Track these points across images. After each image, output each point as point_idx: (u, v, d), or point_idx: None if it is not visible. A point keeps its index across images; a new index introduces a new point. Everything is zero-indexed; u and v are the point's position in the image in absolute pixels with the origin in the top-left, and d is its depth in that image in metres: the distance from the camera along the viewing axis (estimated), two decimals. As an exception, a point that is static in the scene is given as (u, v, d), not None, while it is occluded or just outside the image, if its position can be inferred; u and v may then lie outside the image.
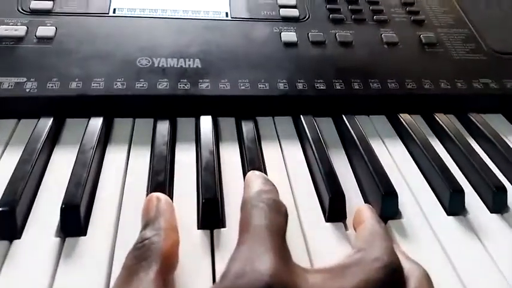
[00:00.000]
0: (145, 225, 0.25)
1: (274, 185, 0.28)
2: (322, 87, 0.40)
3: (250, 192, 0.26)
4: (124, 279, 0.22)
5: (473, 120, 0.42)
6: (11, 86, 0.36)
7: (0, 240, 0.27)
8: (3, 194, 0.28)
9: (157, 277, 0.21)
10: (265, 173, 0.34)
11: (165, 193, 0.29)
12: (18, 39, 0.40)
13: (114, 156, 0.34)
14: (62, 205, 0.28)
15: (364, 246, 0.23)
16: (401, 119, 0.41)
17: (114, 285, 0.22)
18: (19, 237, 0.27)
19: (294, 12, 0.47)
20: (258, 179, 0.28)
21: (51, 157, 0.34)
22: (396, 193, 0.31)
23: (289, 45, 0.44)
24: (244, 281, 0.19)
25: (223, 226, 0.29)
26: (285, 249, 0.22)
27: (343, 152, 0.38)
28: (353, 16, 0.48)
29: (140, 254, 0.23)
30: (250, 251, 0.21)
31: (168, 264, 0.23)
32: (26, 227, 0.28)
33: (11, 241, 0.27)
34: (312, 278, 0.21)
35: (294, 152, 0.37)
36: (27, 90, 0.36)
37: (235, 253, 0.22)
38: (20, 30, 0.40)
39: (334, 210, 0.30)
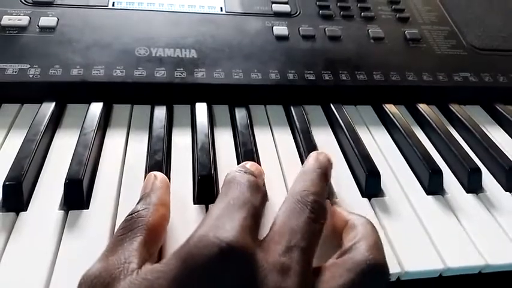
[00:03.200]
0: (139, 201, 0.27)
1: (260, 170, 0.30)
2: (311, 78, 0.42)
3: (235, 169, 0.28)
4: (110, 247, 0.23)
5: (453, 110, 0.44)
6: (15, 71, 0.38)
7: (8, 212, 0.28)
8: (10, 169, 0.30)
9: (140, 247, 0.23)
10: (257, 156, 0.36)
11: (162, 171, 0.31)
12: (22, 29, 0.41)
13: (113, 139, 0.36)
14: (65, 180, 0.30)
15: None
16: (386, 109, 0.43)
17: (102, 253, 0.23)
18: (25, 210, 0.29)
19: (286, 8, 0.49)
20: (245, 163, 0.30)
21: (53, 139, 0.36)
22: (379, 173, 0.34)
23: (280, 38, 0.46)
24: (205, 243, 0.20)
25: (218, 201, 0.31)
26: (252, 224, 0.23)
27: (332, 136, 0.40)
28: (341, 12, 0.50)
29: (128, 225, 0.24)
30: (217, 219, 0.22)
31: (154, 236, 0.24)
32: (31, 201, 0.30)
33: (17, 213, 0.29)
34: (265, 247, 0.23)
35: (285, 137, 0.39)
36: (31, 76, 0.38)
37: (203, 219, 0.23)
38: (23, 20, 0.42)
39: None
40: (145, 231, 0.24)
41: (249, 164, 0.29)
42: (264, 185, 0.31)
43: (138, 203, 0.26)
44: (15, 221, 0.28)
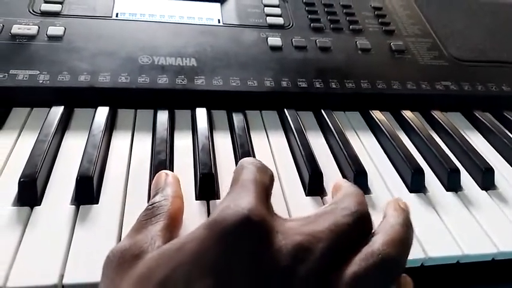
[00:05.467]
0: (155, 194, 0.29)
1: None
2: (303, 86, 0.45)
3: (243, 159, 0.29)
4: (135, 229, 0.25)
5: (435, 116, 0.47)
6: (26, 77, 0.40)
7: (23, 207, 0.31)
8: (25, 167, 0.32)
9: (163, 229, 0.25)
10: (254, 157, 0.38)
11: (166, 169, 0.33)
12: (31, 37, 0.44)
13: (119, 140, 0.39)
14: (77, 177, 0.32)
15: (336, 201, 0.27)
16: (373, 115, 0.46)
17: (127, 235, 0.25)
18: (39, 205, 0.31)
19: (280, 21, 0.53)
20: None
21: (63, 140, 0.38)
22: (366, 172, 0.36)
23: (274, 48, 0.49)
24: (228, 212, 0.22)
25: (218, 198, 0.34)
26: (267, 200, 0.25)
27: (323, 139, 0.43)
28: (331, 25, 0.54)
29: (150, 213, 0.26)
30: (235, 194, 0.24)
31: (174, 222, 0.26)
32: (44, 196, 0.32)
33: (32, 208, 0.31)
34: (288, 223, 0.24)
35: (279, 140, 0.42)
36: (40, 81, 0.40)
37: (224, 198, 0.24)
38: (32, 29, 0.44)
39: (313, 185, 0.35)
40: (167, 218, 0.26)
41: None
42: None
43: (155, 196, 0.28)
44: (30, 215, 0.30)
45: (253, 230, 0.21)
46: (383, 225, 0.26)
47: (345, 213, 0.24)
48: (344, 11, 0.56)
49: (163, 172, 0.31)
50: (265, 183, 0.26)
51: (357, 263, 0.22)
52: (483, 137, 0.47)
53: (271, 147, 0.41)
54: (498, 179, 0.40)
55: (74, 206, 0.31)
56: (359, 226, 0.24)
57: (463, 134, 0.45)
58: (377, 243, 0.23)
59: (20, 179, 0.31)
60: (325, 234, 0.23)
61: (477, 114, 0.49)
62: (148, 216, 0.26)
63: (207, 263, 0.20)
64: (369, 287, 0.22)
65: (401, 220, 0.26)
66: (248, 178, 0.25)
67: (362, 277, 0.22)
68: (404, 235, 0.25)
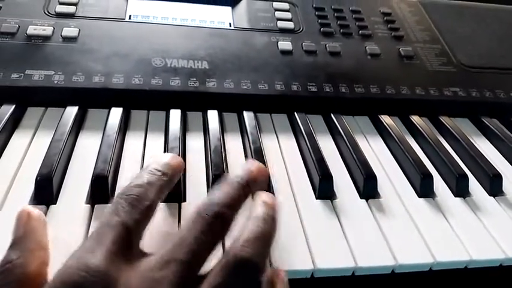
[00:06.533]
0: (12, 245, 0.24)
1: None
2: (313, 90, 0.46)
3: (124, 187, 0.27)
4: None
5: (443, 122, 0.48)
6: (41, 77, 0.41)
7: (39, 205, 0.31)
8: (41, 166, 0.33)
9: None
10: (265, 159, 0.39)
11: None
12: (46, 38, 0.45)
13: (133, 140, 0.39)
14: (93, 176, 0.33)
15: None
16: (382, 120, 0.47)
17: None
18: (55, 203, 0.32)
19: (290, 25, 0.53)
20: (150, 167, 0.28)
21: (78, 140, 0.39)
22: (375, 176, 0.37)
23: (285, 52, 0.50)
24: (68, 272, 0.21)
25: (230, 199, 0.34)
26: (122, 243, 0.23)
27: (333, 142, 0.43)
28: (341, 30, 0.54)
29: (2, 278, 0.22)
30: (86, 247, 0.23)
31: (34, 286, 0.22)
32: (60, 195, 0.33)
33: (48, 206, 0.31)
34: (139, 265, 0.23)
35: (289, 143, 0.42)
36: (55, 82, 0.41)
37: (75, 250, 0.23)
38: (48, 30, 0.45)
39: (323, 188, 0.36)
40: (23, 285, 0.22)
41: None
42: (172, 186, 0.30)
43: (10, 249, 0.24)
44: (46, 213, 0.31)
45: None
46: (243, 223, 0.25)
47: (192, 234, 0.24)
48: (353, 16, 0.57)
49: (25, 212, 0.26)
50: (128, 225, 0.24)
51: (211, 276, 0.22)
52: (491, 143, 0.47)
53: (282, 150, 0.41)
54: (506, 185, 0.40)
55: (89, 205, 0.32)
56: (212, 233, 0.24)
57: (471, 139, 0.46)
58: (232, 247, 0.23)
59: (36, 177, 0.32)
60: (172, 263, 0.22)
61: (485, 121, 0.50)
62: (0, 283, 0.22)
63: None
64: None
65: (261, 214, 0.25)
66: (107, 223, 0.24)
67: (220, 286, 0.22)
68: (266, 228, 0.24)
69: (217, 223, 0.24)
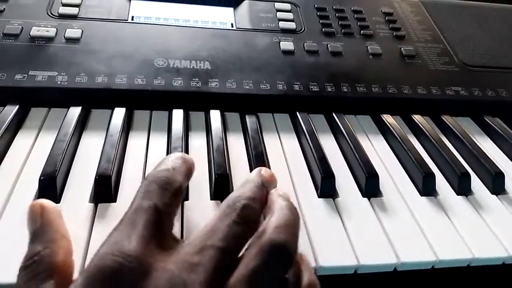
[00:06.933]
0: (33, 238, 0.24)
1: (273, 176, 0.30)
2: (315, 89, 0.46)
3: (150, 173, 0.27)
4: None
5: (445, 121, 0.48)
6: (44, 78, 0.41)
7: (43, 204, 0.32)
8: (45, 166, 0.33)
9: None
10: (267, 159, 0.39)
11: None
12: (49, 39, 0.45)
13: (136, 140, 0.39)
14: (96, 175, 0.33)
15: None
16: (384, 119, 0.47)
17: None
18: (58, 202, 0.32)
19: (292, 25, 0.53)
20: (171, 157, 0.29)
21: (81, 140, 0.39)
22: (377, 174, 0.37)
23: (287, 52, 0.50)
24: (100, 261, 0.21)
25: (232, 198, 0.34)
26: (155, 227, 0.23)
27: (334, 142, 0.43)
28: (343, 30, 0.54)
29: (31, 271, 0.22)
30: (119, 233, 0.23)
31: (64, 277, 0.23)
32: (63, 195, 0.33)
33: (51, 205, 0.32)
34: (173, 249, 0.23)
35: (291, 142, 0.42)
36: (59, 82, 0.41)
37: (108, 236, 0.23)
38: (51, 32, 0.45)
39: (325, 186, 0.36)
40: (54, 273, 0.22)
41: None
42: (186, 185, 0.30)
43: (33, 242, 0.24)
44: (50, 212, 0.31)
45: (124, 278, 0.21)
46: (269, 212, 0.26)
47: (227, 221, 0.25)
48: (355, 16, 0.57)
49: (37, 204, 0.25)
50: (160, 208, 0.24)
51: (247, 259, 0.23)
52: (493, 142, 0.48)
53: (284, 149, 0.41)
54: (508, 183, 0.40)
55: (92, 204, 0.32)
56: (244, 223, 0.25)
57: (473, 138, 0.46)
58: (265, 232, 0.24)
59: (40, 177, 0.32)
60: (210, 249, 0.23)
61: (487, 120, 0.50)
62: (30, 275, 0.22)
63: None
64: (263, 278, 0.23)
65: (284, 204, 0.27)
66: (140, 206, 0.24)
67: (255, 272, 0.22)
68: (292, 217, 0.26)
69: (247, 214, 0.25)
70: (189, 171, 0.29)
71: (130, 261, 0.21)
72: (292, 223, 0.26)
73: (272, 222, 0.25)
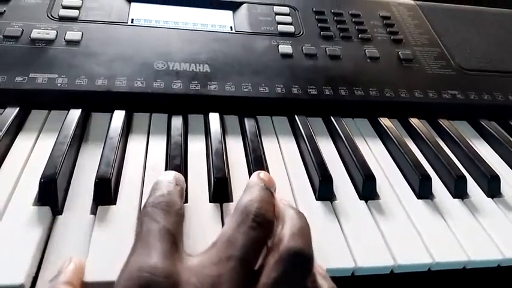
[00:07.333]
0: (53, 277, 0.26)
1: (272, 180, 0.32)
2: (313, 93, 0.47)
3: (146, 201, 0.28)
4: None
5: (442, 124, 0.48)
6: (44, 80, 0.41)
7: (43, 206, 0.32)
8: (45, 168, 0.33)
9: None
10: (266, 162, 0.39)
11: (181, 173, 0.34)
12: (49, 41, 0.45)
13: (135, 143, 0.40)
14: (96, 179, 0.33)
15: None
16: (381, 122, 0.47)
17: None
18: (58, 204, 0.32)
19: (290, 29, 0.54)
20: (164, 182, 0.30)
21: (82, 143, 0.39)
22: (374, 177, 0.37)
23: (285, 56, 0.50)
24: (128, 278, 0.22)
25: (231, 200, 0.35)
26: (174, 245, 0.25)
27: (332, 145, 0.44)
28: (341, 34, 0.55)
29: None
30: (137, 254, 0.24)
31: None
32: (63, 197, 0.33)
33: (52, 207, 0.32)
34: (192, 263, 0.24)
35: (290, 145, 0.43)
36: (59, 85, 0.41)
37: (128, 256, 0.24)
38: (51, 34, 0.46)
39: (323, 189, 0.36)
40: None
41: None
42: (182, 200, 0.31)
43: (51, 280, 0.26)
44: (50, 215, 0.31)
45: None
46: (280, 222, 0.27)
47: (242, 229, 0.26)
48: (353, 20, 0.57)
49: (68, 258, 0.28)
50: (169, 228, 0.26)
51: (268, 269, 0.24)
52: (489, 145, 0.48)
53: (282, 152, 0.42)
54: (504, 187, 0.41)
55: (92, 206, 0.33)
56: (260, 226, 0.26)
57: (470, 142, 0.46)
58: (282, 241, 0.25)
59: (40, 179, 0.32)
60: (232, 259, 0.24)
61: (483, 123, 0.50)
62: None
63: None
64: (287, 284, 0.24)
65: (293, 212, 0.28)
66: (150, 229, 0.25)
67: (278, 281, 0.24)
68: (304, 224, 0.27)
69: (262, 216, 0.27)
70: (181, 191, 0.30)
71: (157, 274, 0.22)
72: (306, 230, 0.27)
73: (286, 231, 0.26)
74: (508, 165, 0.45)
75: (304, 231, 0.27)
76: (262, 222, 0.26)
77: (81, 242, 0.30)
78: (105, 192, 0.33)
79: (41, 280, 0.27)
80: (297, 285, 0.25)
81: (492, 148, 0.48)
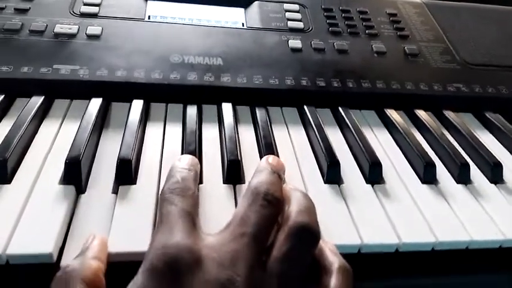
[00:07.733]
0: (76, 256, 0.28)
1: (281, 164, 0.34)
2: (322, 85, 0.48)
3: (163, 189, 0.30)
4: None
5: (447, 116, 0.50)
6: (67, 71, 0.44)
7: (68, 185, 0.34)
8: (70, 150, 0.35)
9: None
10: (276, 148, 0.41)
11: (196, 156, 0.36)
12: (71, 36, 0.48)
13: (153, 130, 0.42)
14: (117, 160, 0.35)
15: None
16: (388, 113, 0.49)
17: None
18: (82, 184, 0.34)
19: (300, 25, 0.56)
20: (177, 168, 0.32)
21: (102, 129, 0.41)
22: (380, 162, 0.39)
23: (295, 50, 0.52)
24: (159, 254, 0.24)
25: (243, 182, 0.37)
26: (193, 223, 0.27)
27: (340, 134, 0.45)
28: (348, 30, 0.57)
29: (61, 281, 0.25)
30: (161, 233, 0.26)
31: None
32: (87, 177, 0.35)
33: (76, 186, 0.34)
34: (211, 241, 0.26)
35: (299, 133, 0.45)
36: (81, 75, 0.44)
37: (152, 237, 0.27)
38: (73, 29, 0.48)
39: (331, 173, 0.38)
40: (80, 284, 0.24)
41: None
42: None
43: (74, 259, 0.27)
44: (75, 193, 0.34)
45: (182, 267, 0.24)
46: (287, 203, 0.29)
47: (255, 209, 0.28)
48: (360, 16, 0.59)
49: (91, 235, 0.29)
50: (187, 209, 0.28)
51: (279, 243, 0.26)
52: (493, 135, 0.49)
53: (292, 140, 0.43)
54: (507, 174, 0.42)
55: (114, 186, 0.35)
56: (270, 204, 0.28)
57: (474, 132, 0.48)
58: (289, 217, 0.27)
59: (66, 160, 0.35)
60: (247, 236, 0.26)
61: (487, 115, 0.51)
62: (61, 285, 0.25)
63: None
64: (296, 257, 0.26)
65: (299, 193, 0.30)
66: (169, 211, 0.28)
67: (288, 253, 0.26)
68: (310, 203, 0.29)
69: (271, 194, 0.29)
70: (196, 175, 0.33)
71: (183, 250, 0.24)
72: (312, 209, 0.29)
73: (293, 209, 0.28)
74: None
75: (310, 209, 0.29)
76: (272, 200, 0.28)
77: (103, 218, 0.32)
78: (127, 172, 0.35)
79: (67, 252, 0.29)
80: (306, 256, 0.27)
81: (496, 138, 0.49)
